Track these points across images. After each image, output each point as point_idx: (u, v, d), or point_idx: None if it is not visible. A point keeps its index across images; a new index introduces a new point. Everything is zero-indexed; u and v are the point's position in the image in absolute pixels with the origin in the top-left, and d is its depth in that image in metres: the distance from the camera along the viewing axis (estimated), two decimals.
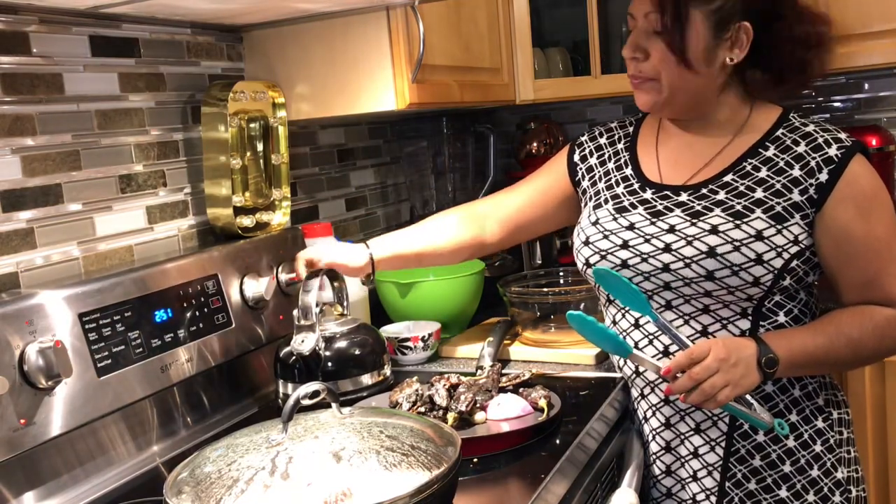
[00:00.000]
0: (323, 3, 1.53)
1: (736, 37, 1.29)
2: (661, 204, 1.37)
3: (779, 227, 1.28)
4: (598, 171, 1.49)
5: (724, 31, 1.29)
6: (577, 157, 1.54)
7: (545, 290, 1.78)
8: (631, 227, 1.37)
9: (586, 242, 1.42)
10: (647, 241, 1.34)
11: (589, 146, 1.53)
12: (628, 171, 1.44)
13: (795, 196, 1.28)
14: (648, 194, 1.39)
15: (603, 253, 1.39)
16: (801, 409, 1.35)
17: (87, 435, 1.25)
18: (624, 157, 1.47)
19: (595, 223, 1.42)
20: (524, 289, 1.78)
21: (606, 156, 1.50)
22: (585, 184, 1.51)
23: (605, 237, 1.39)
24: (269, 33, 1.73)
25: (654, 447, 1.43)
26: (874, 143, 2.17)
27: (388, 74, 1.64)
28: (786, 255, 1.27)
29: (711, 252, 1.28)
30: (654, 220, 1.35)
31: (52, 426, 1.19)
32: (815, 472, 1.34)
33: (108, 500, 1.23)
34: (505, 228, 1.59)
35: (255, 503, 0.91)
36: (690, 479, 1.39)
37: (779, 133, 1.35)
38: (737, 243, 1.27)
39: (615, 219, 1.40)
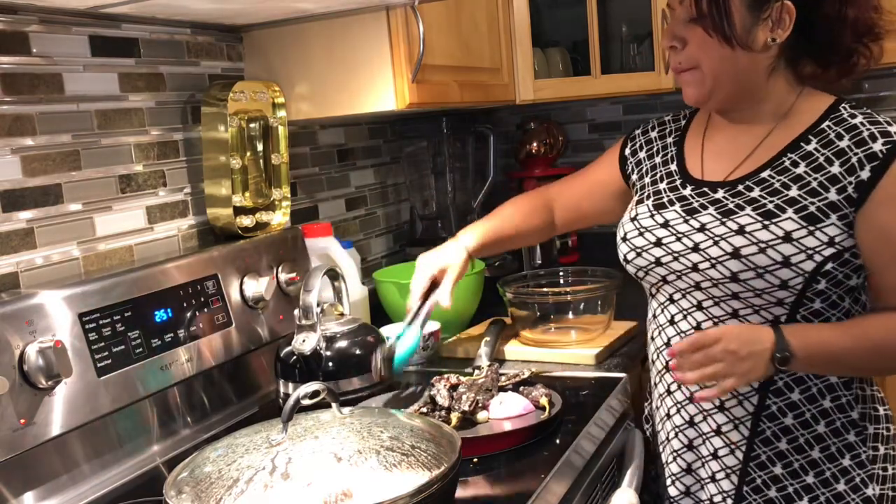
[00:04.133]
0: (323, 3, 1.53)
1: (778, 16, 1.24)
2: (697, 201, 1.34)
3: (811, 228, 1.22)
4: (646, 165, 1.48)
5: (762, 10, 1.24)
6: (627, 152, 1.53)
7: (545, 290, 1.78)
8: (665, 225, 1.35)
9: (624, 238, 1.41)
10: (678, 239, 1.32)
11: (640, 140, 1.52)
12: (673, 167, 1.42)
13: (832, 195, 1.22)
14: (688, 191, 1.36)
15: (638, 250, 1.37)
16: (830, 420, 1.29)
17: (87, 435, 1.25)
18: (672, 151, 1.45)
19: (634, 219, 1.41)
20: (524, 289, 1.78)
21: (655, 149, 1.48)
22: (634, 177, 1.50)
23: (641, 234, 1.38)
24: (269, 33, 1.73)
25: (675, 444, 1.40)
26: None
27: (387, 74, 1.64)
28: (818, 258, 1.22)
29: (736, 253, 1.24)
30: (687, 217, 1.33)
31: (51, 426, 1.19)
32: (841, 486, 1.29)
33: (108, 500, 1.23)
34: (569, 215, 1.65)
35: (255, 503, 0.91)
36: (709, 481, 1.37)
37: (824, 125, 1.27)
38: (762, 245, 1.23)
39: (652, 215, 1.38)
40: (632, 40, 2.55)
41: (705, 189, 1.34)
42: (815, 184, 1.24)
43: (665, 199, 1.39)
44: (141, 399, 1.33)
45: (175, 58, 1.60)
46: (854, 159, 1.22)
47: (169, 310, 1.39)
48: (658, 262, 1.34)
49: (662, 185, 1.41)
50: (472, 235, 1.58)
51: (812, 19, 1.25)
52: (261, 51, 1.74)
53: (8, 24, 1.29)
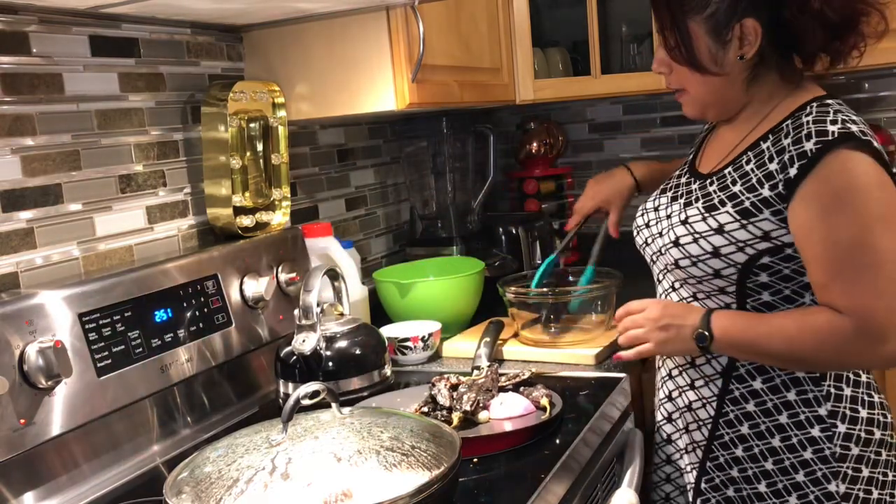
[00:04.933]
0: (323, 3, 1.53)
1: (741, 34, 1.27)
2: (680, 190, 1.42)
3: (744, 222, 1.26)
4: None
5: (724, 34, 1.27)
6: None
7: (545, 290, 1.78)
8: (655, 209, 1.45)
9: (635, 217, 1.51)
10: (657, 223, 1.42)
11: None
12: (690, 157, 1.51)
13: (765, 191, 1.25)
14: (683, 179, 1.45)
15: (638, 228, 1.49)
16: (794, 413, 1.31)
17: (86, 435, 1.25)
18: (698, 142, 1.53)
19: (646, 200, 1.51)
20: (524, 289, 1.78)
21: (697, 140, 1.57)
22: None
23: (642, 214, 1.49)
24: (269, 33, 1.73)
25: (658, 416, 1.52)
26: None
27: (387, 74, 1.64)
28: (750, 251, 1.26)
29: (676, 242, 1.34)
30: (669, 203, 1.42)
31: (51, 426, 1.19)
32: (800, 477, 1.31)
33: (108, 500, 1.23)
34: None
35: (255, 503, 0.91)
36: (683, 452, 1.45)
37: (783, 124, 1.28)
38: (696, 235, 1.31)
39: (654, 199, 1.48)
40: (632, 40, 2.55)
41: (691, 179, 1.42)
42: (754, 180, 1.28)
43: (668, 185, 1.48)
44: (141, 399, 1.33)
45: (175, 58, 1.60)
46: (786, 157, 1.24)
47: (169, 310, 1.39)
48: (645, 242, 1.45)
49: (676, 171, 1.51)
50: (641, 164, 1.68)
51: (779, 23, 1.27)
52: (261, 51, 1.74)
53: (8, 24, 1.29)
